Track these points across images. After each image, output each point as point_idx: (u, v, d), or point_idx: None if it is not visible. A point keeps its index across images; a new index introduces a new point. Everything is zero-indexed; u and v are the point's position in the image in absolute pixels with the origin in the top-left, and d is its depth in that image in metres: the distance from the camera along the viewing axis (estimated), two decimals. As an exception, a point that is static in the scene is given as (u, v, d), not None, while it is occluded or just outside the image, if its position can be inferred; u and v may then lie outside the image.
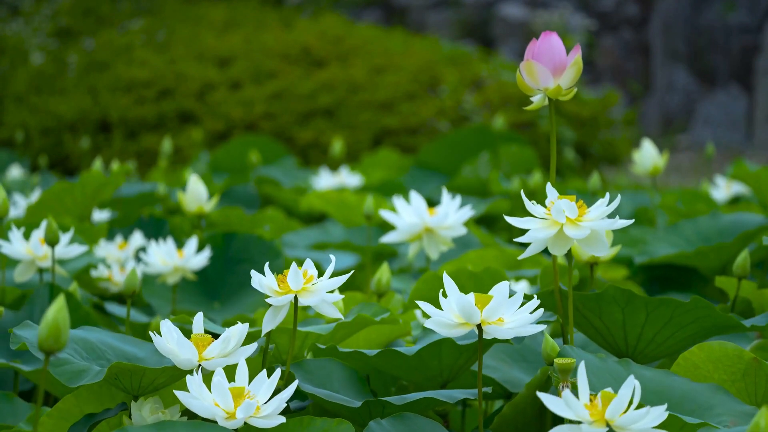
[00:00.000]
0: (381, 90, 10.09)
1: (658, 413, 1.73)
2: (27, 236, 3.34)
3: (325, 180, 6.58)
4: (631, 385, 1.72)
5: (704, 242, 4.20)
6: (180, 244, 3.78)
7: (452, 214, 3.27)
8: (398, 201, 3.34)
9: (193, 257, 3.40)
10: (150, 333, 2.11)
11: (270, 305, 2.13)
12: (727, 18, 14.83)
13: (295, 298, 2.12)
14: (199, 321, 2.14)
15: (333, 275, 2.17)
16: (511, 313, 2.03)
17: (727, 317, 2.31)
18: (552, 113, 2.27)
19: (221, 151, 8.32)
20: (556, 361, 1.89)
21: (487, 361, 2.47)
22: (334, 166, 8.11)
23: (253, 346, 2.09)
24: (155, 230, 4.21)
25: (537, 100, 2.26)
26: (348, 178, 6.57)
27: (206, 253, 3.41)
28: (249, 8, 12.60)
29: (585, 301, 2.30)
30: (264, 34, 11.07)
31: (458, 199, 3.32)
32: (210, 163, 8.20)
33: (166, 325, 2.08)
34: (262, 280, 2.13)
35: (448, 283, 2.05)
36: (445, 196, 3.31)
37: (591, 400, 1.74)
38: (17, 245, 3.11)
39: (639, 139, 11.21)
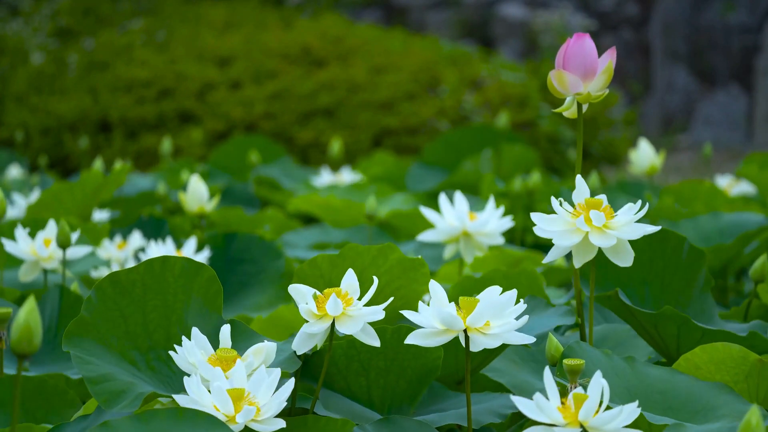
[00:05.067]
0: (381, 90, 10.09)
1: (630, 411, 1.70)
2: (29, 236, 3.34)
3: (325, 179, 6.56)
4: (599, 385, 1.70)
5: (704, 242, 4.18)
6: (180, 244, 3.78)
7: (493, 222, 3.20)
8: (442, 201, 3.26)
9: (192, 257, 3.37)
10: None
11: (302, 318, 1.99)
12: (727, 18, 14.83)
13: (333, 323, 1.98)
14: (226, 334, 2.00)
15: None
16: (500, 317, 1.94)
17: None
18: (580, 117, 2.18)
19: (219, 151, 8.30)
20: (565, 362, 1.84)
21: (495, 364, 2.38)
22: (333, 166, 8.10)
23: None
24: (155, 230, 4.21)
25: (568, 101, 2.19)
26: (348, 178, 6.54)
27: (205, 254, 3.39)
28: (249, 8, 12.59)
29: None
30: (264, 34, 11.06)
31: (501, 208, 3.25)
32: (211, 163, 8.17)
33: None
34: (303, 308, 1.98)
35: (435, 288, 1.96)
36: (490, 203, 3.25)
37: (563, 402, 1.71)
38: (22, 245, 3.10)
39: (639, 139, 11.20)
